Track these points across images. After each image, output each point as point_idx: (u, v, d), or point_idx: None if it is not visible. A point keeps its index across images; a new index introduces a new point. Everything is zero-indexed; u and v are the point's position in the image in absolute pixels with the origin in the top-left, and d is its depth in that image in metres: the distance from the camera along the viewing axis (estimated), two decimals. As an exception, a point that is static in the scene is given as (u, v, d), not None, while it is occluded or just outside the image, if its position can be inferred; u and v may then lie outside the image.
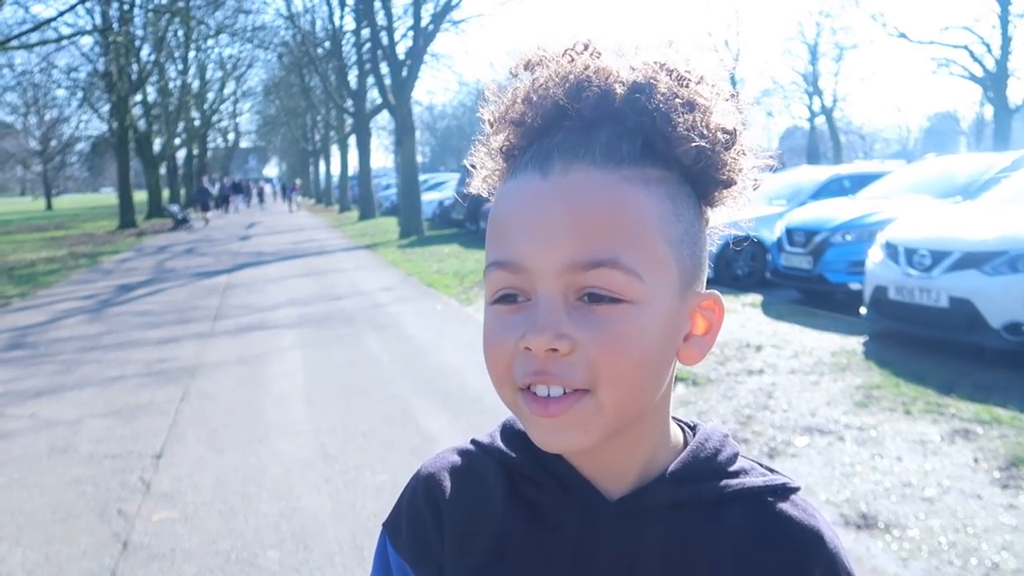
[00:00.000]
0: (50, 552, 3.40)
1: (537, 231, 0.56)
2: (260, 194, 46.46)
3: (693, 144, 0.57)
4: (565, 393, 0.56)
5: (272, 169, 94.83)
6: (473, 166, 0.65)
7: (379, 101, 28.90)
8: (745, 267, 10.28)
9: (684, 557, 0.62)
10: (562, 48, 0.61)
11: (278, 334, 8.07)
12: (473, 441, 0.72)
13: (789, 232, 8.93)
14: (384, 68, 23.01)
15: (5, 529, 3.64)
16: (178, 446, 4.70)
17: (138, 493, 4.01)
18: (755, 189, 0.63)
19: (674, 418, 0.68)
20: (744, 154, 0.61)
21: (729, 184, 0.61)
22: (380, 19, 22.22)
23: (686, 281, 0.60)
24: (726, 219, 0.65)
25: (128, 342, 7.95)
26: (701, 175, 0.60)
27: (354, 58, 31.33)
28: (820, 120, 48.51)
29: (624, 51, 0.61)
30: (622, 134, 0.58)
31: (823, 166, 18.60)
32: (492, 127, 0.63)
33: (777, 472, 0.67)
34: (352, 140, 35.09)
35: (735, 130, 0.60)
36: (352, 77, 31.62)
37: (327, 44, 32.17)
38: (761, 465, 0.68)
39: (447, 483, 0.70)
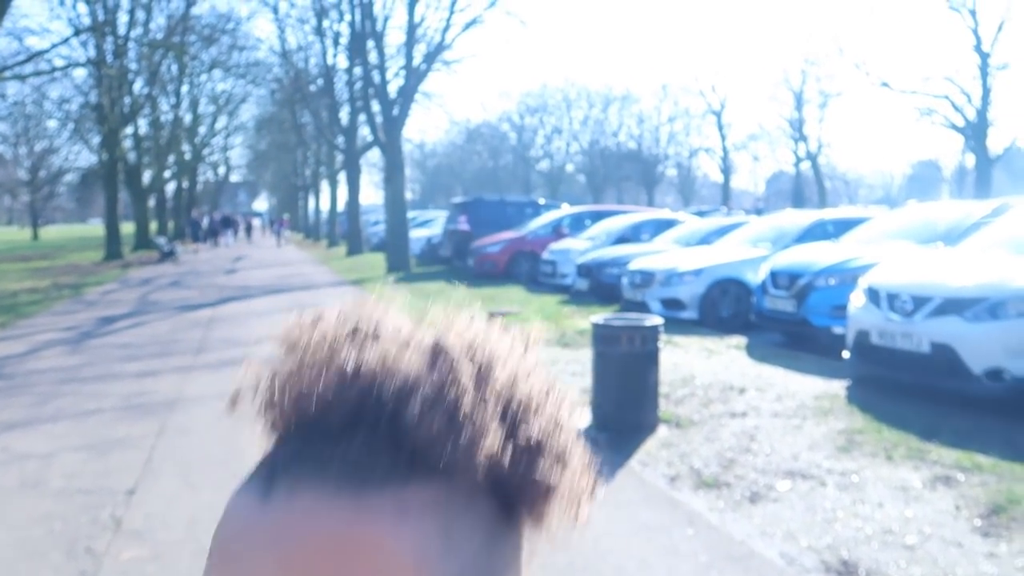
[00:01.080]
0: (13, 591, 3.31)
1: (243, 566, 0.42)
2: (248, 228, 46.44)
3: (482, 454, 0.44)
4: None
5: (262, 203, 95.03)
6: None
7: (370, 138, 29.14)
8: (729, 309, 10.32)
9: None
10: (330, 330, 0.48)
11: (260, 369, 7.99)
12: None
13: (773, 275, 8.99)
14: (375, 106, 23.23)
15: (-32, 566, 3.55)
16: (152, 482, 4.62)
17: (108, 530, 3.92)
18: (593, 490, 0.50)
19: None
20: (566, 458, 0.48)
21: (549, 492, 0.47)
22: (373, 58, 22.51)
23: None
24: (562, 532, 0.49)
25: (107, 374, 7.85)
26: (501, 484, 0.46)
27: (346, 96, 31.62)
28: (805, 165, 49.27)
29: (409, 337, 0.47)
30: (380, 446, 0.43)
31: (808, 210, 18.83)
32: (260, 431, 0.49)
33: None
34: (342, 176, 35.30)
35: (540, 439, 0.46)
36: (344, 114, 31.88)
37: (320, 81, 32.51)
38: None
39: None
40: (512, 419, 0.46)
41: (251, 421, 0.49)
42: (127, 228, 36.32)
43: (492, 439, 0.44)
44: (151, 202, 39.32)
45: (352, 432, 0.43)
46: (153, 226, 39.28)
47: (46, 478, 4.72)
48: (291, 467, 0.43)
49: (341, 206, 38.43)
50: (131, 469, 4.84)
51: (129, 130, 33.19)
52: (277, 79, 36.73)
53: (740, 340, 8.91)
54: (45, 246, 42.23)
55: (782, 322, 8.90)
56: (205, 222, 41.32)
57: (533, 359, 0.50)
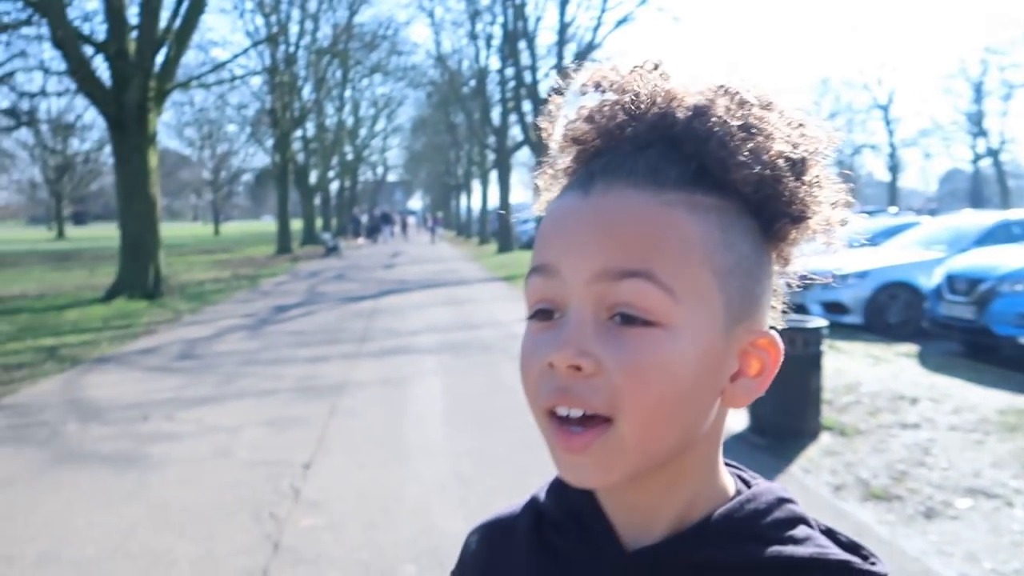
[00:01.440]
0: (210, 547, 3.67)
1: (571, 237, 0.54)
2: (404, 226, 48.47)
3: (752, 172, 0.53)
4: (585, 416, 0.52)
5: (416, 202, 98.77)
6: (538, 187, 0.63)
7: (520, 138, 29.65)
8: (899, 315, 9.69)
9: None
10: (631, 67, 0.58)
11: (419, 358, 8.36)
12: (531, 495, 0.69)
13: (950, 279, 8.35)
14: (527, 106, 23.58)
15: (173, 522, 3.97)
16: (325, 458, 4.96)
17: (288, 499, 4.25)
18: (842, 226, 0.58)
19: (736, 472, 0.62)
20: (820, 187, 0.56)
21: (799, 218, 0.56)
22: (524, 59, 22.87)
23: (733, 316, 0.55)
24: (811, 259, 0.59)
25: (282, 358, 8.48)
26: (764, 206, 0.55)
27: (498, 96, 32.36)
28: (985, 162, 45.24)
29: (695, 75, 0.58)
30: (673, 158, 0.54)
31: (989, 211, 17.32)
32: (556, 147, 0.61)
33: (863, 550, 0.57)
34: (493, 175, 36.11)
35: (803, 159, 0.55)
36: (495, 114, 32.62)
37: (472, 83, 33.45)
38: (843, 541, 0.58)
39: (485, 539, 0.70)
40: (783, 154, 0.55)
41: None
42: (296, 224, 38.89)
43: (767, 162, 0.54)
44: (317, 200, 41.88)
45: (652, 146, 0.55)
46: (318, 223, 41.82)
47: (234, 449, 5.18)
48: (606, 172, 0.55)
49: (492, 204, 39.30)
50: (306, 445, 5.21)
51: (298, 133, 35.53)
52: (432, 81, 38.17)
53: (911, 348, 8.35)
54: (225, 241, 46.00)
55: (959, 330, 8.23)
56: (365, 219, 43.52)
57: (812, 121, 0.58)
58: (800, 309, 9.86)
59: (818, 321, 5.44)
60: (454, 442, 5.25)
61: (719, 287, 0.54)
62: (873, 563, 0.56)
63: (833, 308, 9.81)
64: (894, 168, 53.15)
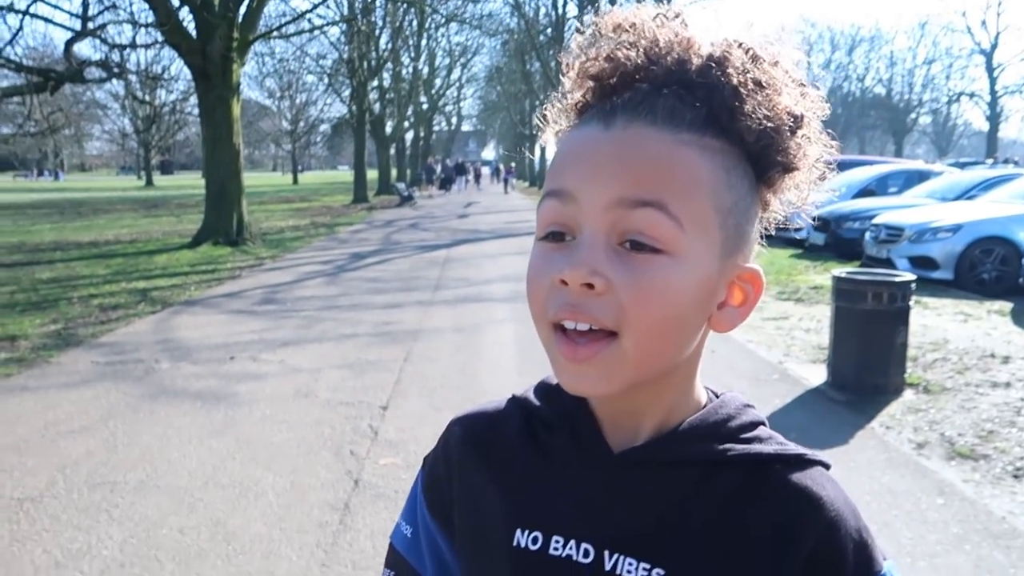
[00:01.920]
0: (295, 480, 3.84)
1: (591, 165, 0.58)
2: (477, 176, 48.52)
3: (757, 122, 0.59)
4: (592, 330, 0.58)
5: (489, 152, 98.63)
6: (544, 118, 0.67)
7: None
8: (993, 271, 9.23)
9: (676, 515, 0.63)
10: (653, 13, 0.63)
11: (492, 307, 8.45)
12: (512, 396, 0.75)
13: (1052, 234, 7.89)
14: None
15: (261, 456, 4.16)
16: (402, 400, 5.10)
17: (367, 438, 4.40)
18: (820, 180, 0.64)
19: (707, 388, 0.69)
20: (810, 142, 0.62)
21: (790, 169, 0.62)
22: (603, 5, 22.31)
23: (728, 250, 0.60)
24: (788, 206, 0.65)
25: (359, 304, 8.69)
26: (762, 155, 0.61)
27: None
28: (1098, 111, 42.09)
29: (710, 26, 0.62)
30: (688, 101, 0.59)
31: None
32: (571, 83, 0.65)
33: (809, 450, 0.65)
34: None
35: (802, 116, 0.61)
36: (572, 62, 32.03)
37: (549, 31, 32.86)
38: (790, 443, 0.66)
39: (469, 429, 0.75)
40: (787, 109, 0.60)
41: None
42: (371, 174, 39.39)
43: (770, 115, 0.59)
44: (392, 150, 42.25)
45: (669, 89, 0.60)
46: (393, 173, 42.27)
47: (315, 389, 5.37)
48: (627, 109, 0.59)
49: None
50: (383, 388, 5.36)
51: (375, 83, 35.73)
52: (508, 29, 37.65)
53: (1004, 305, 7.97)
54: (303, 190, 47.00)
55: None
56: (439, 169, 43.74)
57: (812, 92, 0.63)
58: (886, 264, 9.50)
59: (905, 275, 5.24)
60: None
61: (719, 223, 0.59)
62: (817, 455, 0.65)
63: (921, 263, 9.42)
64: (994, 118, 50.13)
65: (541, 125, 0.68)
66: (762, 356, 6.10)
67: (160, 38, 16.79)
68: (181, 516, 3.47)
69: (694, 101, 0.59)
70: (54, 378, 5.75)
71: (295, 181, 60.89)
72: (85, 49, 42.64)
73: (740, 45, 0.60)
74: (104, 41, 20.24)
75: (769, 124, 0.59)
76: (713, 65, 0.59)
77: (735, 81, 0.59)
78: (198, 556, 3.12)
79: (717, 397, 0.69)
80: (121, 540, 3.24)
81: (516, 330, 7.22)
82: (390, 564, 0.77)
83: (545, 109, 0.68)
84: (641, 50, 0.61)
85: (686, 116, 0.59)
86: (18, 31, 15.66)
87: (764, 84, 0.59)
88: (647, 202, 0.57)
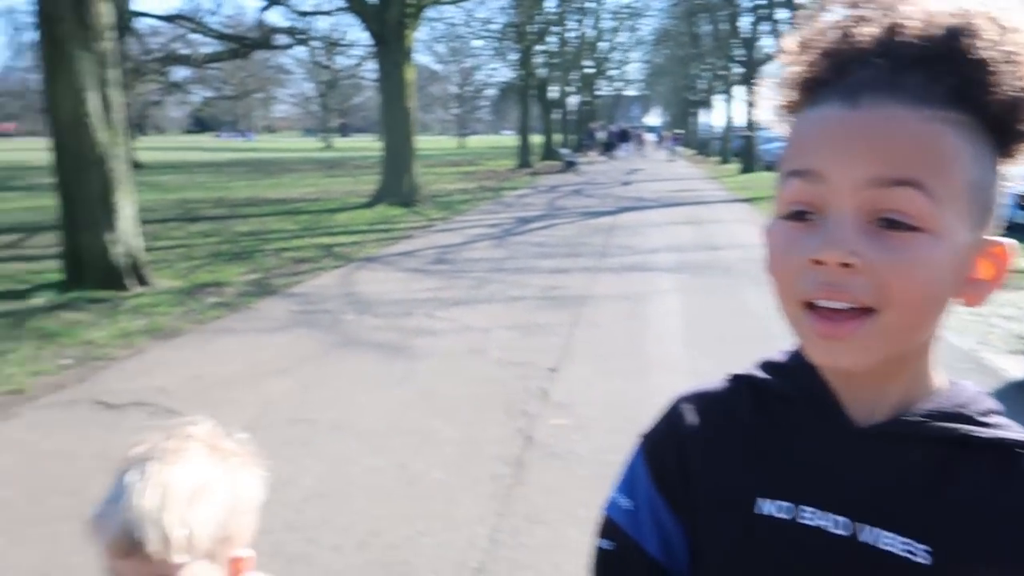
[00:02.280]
0: (470, 433, 4.04)
1: (841, 146, 0.58)
2: (641, 142, 47.70)
3: (1006, 94, 0.58)
4: (850, 309, 0.58)
5: (654, 118, 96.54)
6: (761, 94, 0.67)
7: (772, 50, 27.63)
8: None
9: (934, 492, 0.62)
10: None
11: (658, 276, 8.37)
12: (733, 374, 0.76)
13: None
14: (781, 14, 21.85)
15: (438, 407, 4.40)
16: (570, 364, 5.19)
17: (537, 399, 4.54)
18: None
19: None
20: None
21: None
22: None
23: (976, 224, 0.60)
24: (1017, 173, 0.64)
25: (526, 268, 8.88)
26: (1005, 126, 0.60)
27: (748, 4, 30.22)
28: None
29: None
30: (935, 77, 0.58)
31: None
32: (793, 56, 0.64)
33: None
34: (738, 91, 34.18)
35: None
36: (745, 24, 30.58)
37: (723, -10, 31.44)
38: None
39: (701, 405, 0.76)
40: None
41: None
42: (535, 139, 39.75)
43: (1020, 86, 0.58)
44: (556, 115, 42.35)
45: (915, 65, 0.59)
46: (557, 138, 42.40)
47: (486, 348, 5.58)
48: (874, 87, 0.59)
49: (736, 122, 37.41)
50: (552, 350, 5.48)
51: (540, 47, 35.81)
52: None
53: None
54: (468, 154, 48.21)
55: None
56: (603, 135, 43.37)
57: None
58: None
59: None
60: (695, 362, 5.25)
61: (969, 198, 0.59)
62: None
63: None
64: None
65: (754, 101, 0.69)
66: (952, 342, 5.68)
67: (343, 5, 17.67)
68: (370, 456, 3.75)
69: (943, 76, 0.58)
70: (255, 322, 6.33)
71: (461, 145, 62.50)
72: (273, 16, 45.57)
73: (985, 15, 0.58)
74: (291, 8, 21.52)
75: (1020, 96, 0.58)
76: (959, 37, 0.58)
77: (984, 54, 0.57)
78: (386, 495, 3.38)
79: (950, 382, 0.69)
80: (318, 473, 3.56)
81: (684, 301, 7.13)
82: (608, 535, 0.77)
83: (762, 86, 0.68)
84: (879, 24, 0.60)
85: (936, 92, 0.58)
86: (220, 3, 17.02)
87: (1012, 55, 0.58)
88: (904, 181, 0.57)
